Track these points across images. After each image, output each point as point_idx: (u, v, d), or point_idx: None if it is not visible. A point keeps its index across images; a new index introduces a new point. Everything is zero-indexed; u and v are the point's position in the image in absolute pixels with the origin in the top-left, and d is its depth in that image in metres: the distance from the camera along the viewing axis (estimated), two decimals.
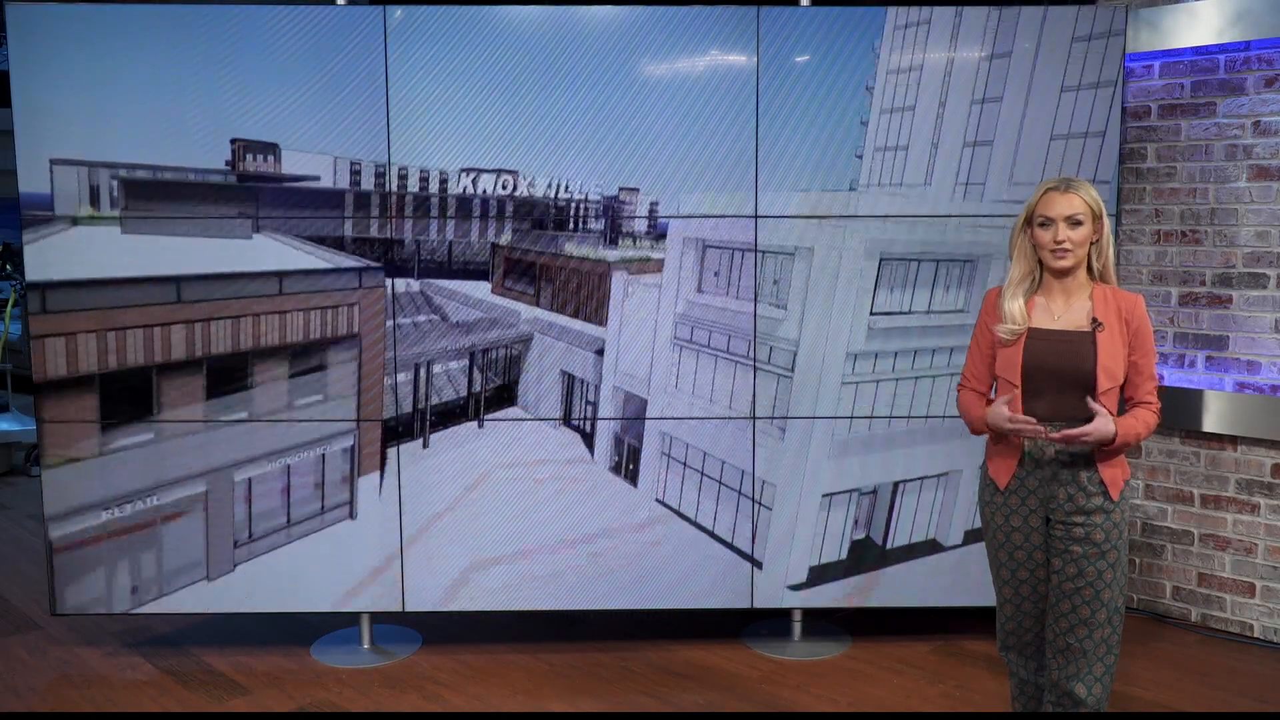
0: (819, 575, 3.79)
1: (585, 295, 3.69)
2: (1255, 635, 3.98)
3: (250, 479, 3.70)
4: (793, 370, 3.67)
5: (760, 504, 3.74)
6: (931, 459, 3.75)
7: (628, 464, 3.76)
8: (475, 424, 3.73)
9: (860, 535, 3.79)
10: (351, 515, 3.74)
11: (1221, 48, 3.88)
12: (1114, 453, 2.52)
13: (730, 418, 3.71)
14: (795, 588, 3.78)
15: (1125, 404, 2.55)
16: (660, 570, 3.77)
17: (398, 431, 3.71)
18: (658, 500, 3.77)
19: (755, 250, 3.63)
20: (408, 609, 3.77)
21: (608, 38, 3.56)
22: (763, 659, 3.81)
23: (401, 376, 3.69)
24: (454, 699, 3.53)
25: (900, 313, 3.67)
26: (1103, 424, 2.44)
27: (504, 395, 3.76)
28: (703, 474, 3.75)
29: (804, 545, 3.77)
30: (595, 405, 3.73)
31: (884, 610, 3.92)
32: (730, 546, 3.78)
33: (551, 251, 3.67)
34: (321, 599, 3.76)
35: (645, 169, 3.62)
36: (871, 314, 3.66)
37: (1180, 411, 4.02)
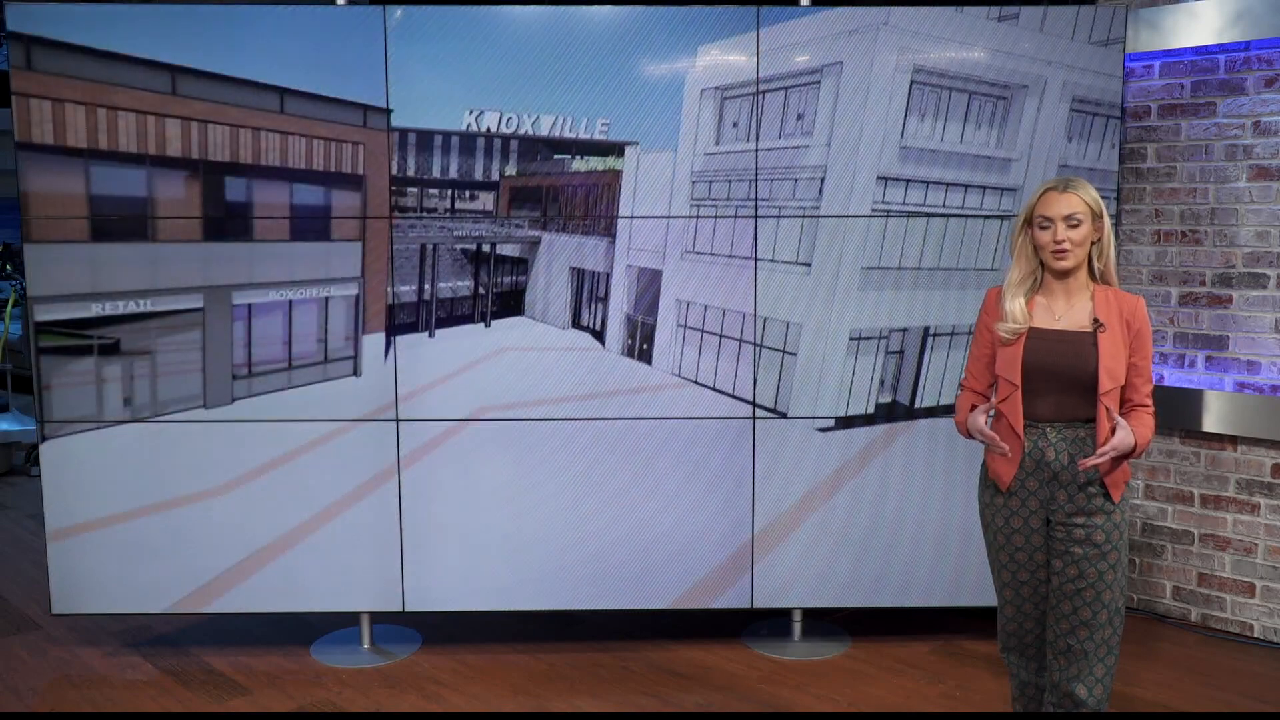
0: (846, 424, 3.73)
1: (594, 210, 3.62)
2: (1255, 635, 3.98)
3: (250, 305, 3.56)
4: (820, 197, 3.58)
5: (785, 352, 3.66)
6: (961, 307, 3.68)
7: (641, 344, 3.69)
8: (482, 325, 3.66)
9: (887, 399, 3.73)
10: (355, 372, 3.61)
11: (1221, 48, 3.88)
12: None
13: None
14: (824, 430, 3.72)
15: (1123, 405, 2.55)
16: (660, 570, 3.77)
17: (400, 325, 3.63)
18: (674, 374, 3.71)
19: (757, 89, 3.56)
20: (408, 608, 3.77)
21: (608, 38, 3.56)
22: (763, 659, 3.82)
23: (404, 287, 3.60)
24: (454, 699, 3.53)
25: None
26: (1123, 437, 2.45)
27: (511, 304, 3.69)
28: (721, 335, 3.66)
29: (830, 394, 3.71)
30: (606, 299, 3.65)
31: (884, 610, 3.92)
32: (751, 404, 3.70)
33: (558, 172, 3.62)
34: (322, 597, 3.76)
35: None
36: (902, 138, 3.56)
37: (1180, 411, 4.02)
